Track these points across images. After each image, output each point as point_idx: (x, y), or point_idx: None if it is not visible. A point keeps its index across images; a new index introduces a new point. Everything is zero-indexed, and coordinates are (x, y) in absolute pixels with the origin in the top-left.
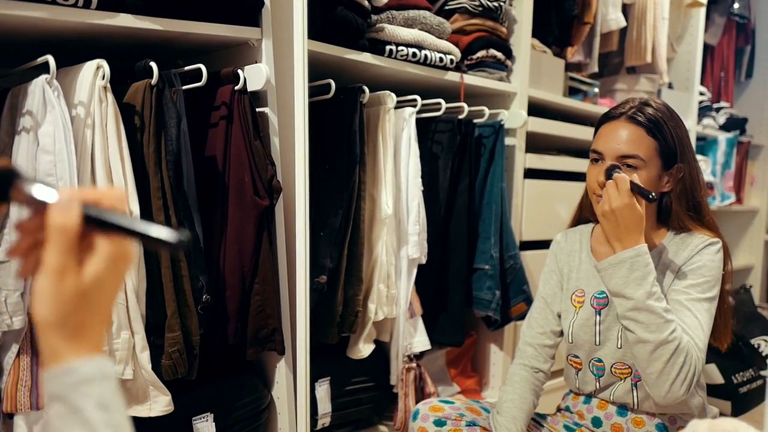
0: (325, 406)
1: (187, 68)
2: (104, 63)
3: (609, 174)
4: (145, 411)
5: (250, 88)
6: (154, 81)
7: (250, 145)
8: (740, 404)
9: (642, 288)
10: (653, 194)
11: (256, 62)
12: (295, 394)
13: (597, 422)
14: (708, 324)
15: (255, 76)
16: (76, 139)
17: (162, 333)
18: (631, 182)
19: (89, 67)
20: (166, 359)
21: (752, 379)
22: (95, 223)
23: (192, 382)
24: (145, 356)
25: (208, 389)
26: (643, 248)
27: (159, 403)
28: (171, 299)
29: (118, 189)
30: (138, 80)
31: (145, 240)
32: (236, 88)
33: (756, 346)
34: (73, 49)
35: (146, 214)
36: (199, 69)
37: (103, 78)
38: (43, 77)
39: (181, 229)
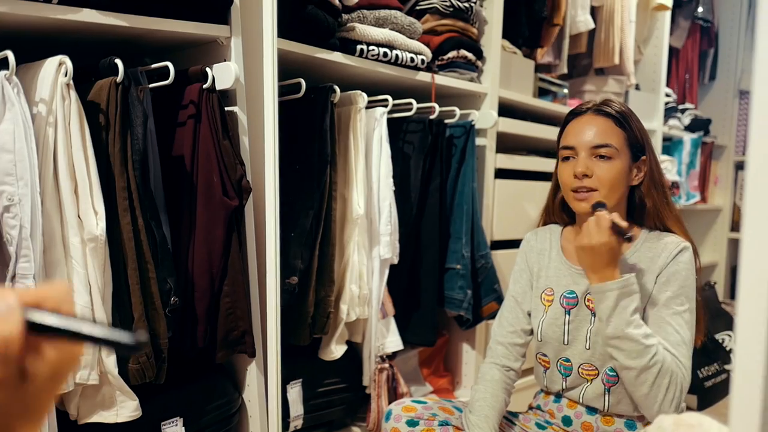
0: (297, 409)
1: (154, 66)
2: (67, 59)
3: (594, 208)
4: (111, 417)
5: (218, 87)
6: (119, 78)
7: (219, 145)
8: (706, 398)
9: (622, 317)
10: (630, 234)
11: (225, 60)
12: (267, 396)
13: (567, 421)
14: (690, 337)
15: (224, 74)
16: (37, 137)
17: None
18: (613, 222)
19: (51, 63)
20: (134, 363)
21: (717, 373)
22: (40, 330)
23: (160, 387)
24: (111, 360)
25: (177, 393)
26: (629, 280)
27: (126, 409)
28: (138, 302)
29: (61, 284)
30: (103, 78)
31: (99, 343)
32: (204, 86)
33: (720, 341)
34: (35, 45)
35: (112, 214)
36: (166, 67)
37: (66, 75)
38: (1, 73)
39: (139, 330)
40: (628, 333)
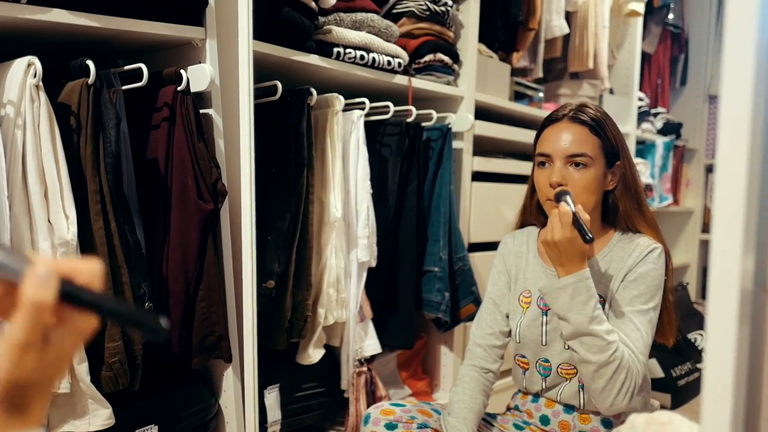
0: (274, 414)
1: (127, 68)
2: (36, 60)
3: (558, 198)
4: (83, 426)
5: (193, 89)
6: (91, 80)
7: (194, 147)
8: (679, 396)
9: (584, 312)
10: (590, 235)
11: (200, 63)
12: (244, 402)
13: (545, 420)
14: (650, 334)
15: (198, 76)
16: (5, 139)
17: (102, 343)
18: (574, 216)
19: (19, 64)
20: (107, 370)
21: (690, 372)
22: (70, 300)
23: (135, 394)
24: (83, 368)
25: (152, 400)
26: (585, 273)
27: (99, 417)
28: None
29: (94, 263)
30: (74, 79)
31: (125, 322)
32: (179, 88)
33: (693, 340)
34: (2, 46)
35: (84, 218)
36: (140, 69)
37: (35, 76)
38: None
39: (161, 316)
40: (591, 329)
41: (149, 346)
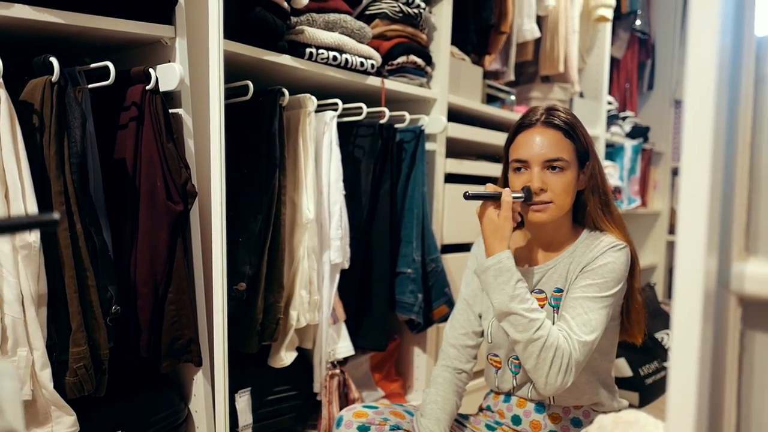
0: (245, 418)
1: (93, 66)
2: None
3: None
4: None
5: (162, 88)
6: (54, 78)
7: (163, 148)
8: (647, 395)
9: (504, 292)
10: (467, 192)
11: (170, 61)
12: (214, 406)
13: (516, 420)
14: (599, 321)
15: (168, 75)
16: None
17: (67, 348)
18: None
19: None
20: (71, 376)
21: (657, 371)
22: None
23: (101, 399)
24: (45, 374)
25: (120, 406)
26: (504, 254)
27: (62, 424)
28: (76, 311)
29: None
30: (37, 77)
31: (30, 227)
32: (147, 87)
33: (660, 339)
34: None
35: None
36: (107, 67)
37: None
38: None
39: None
40: (511, 307)
41: (116, 350)
